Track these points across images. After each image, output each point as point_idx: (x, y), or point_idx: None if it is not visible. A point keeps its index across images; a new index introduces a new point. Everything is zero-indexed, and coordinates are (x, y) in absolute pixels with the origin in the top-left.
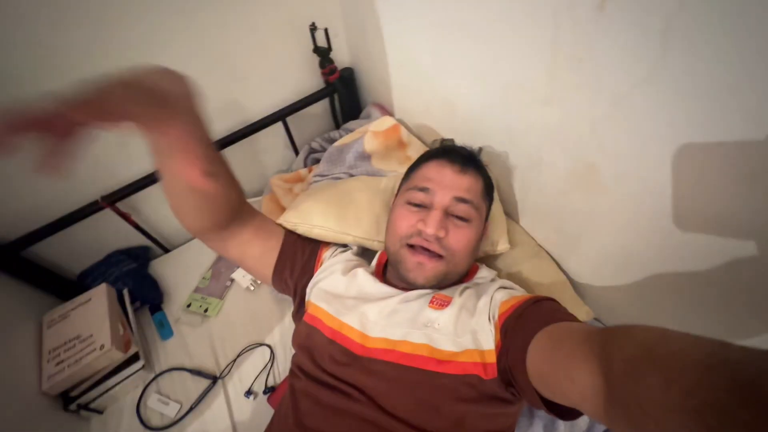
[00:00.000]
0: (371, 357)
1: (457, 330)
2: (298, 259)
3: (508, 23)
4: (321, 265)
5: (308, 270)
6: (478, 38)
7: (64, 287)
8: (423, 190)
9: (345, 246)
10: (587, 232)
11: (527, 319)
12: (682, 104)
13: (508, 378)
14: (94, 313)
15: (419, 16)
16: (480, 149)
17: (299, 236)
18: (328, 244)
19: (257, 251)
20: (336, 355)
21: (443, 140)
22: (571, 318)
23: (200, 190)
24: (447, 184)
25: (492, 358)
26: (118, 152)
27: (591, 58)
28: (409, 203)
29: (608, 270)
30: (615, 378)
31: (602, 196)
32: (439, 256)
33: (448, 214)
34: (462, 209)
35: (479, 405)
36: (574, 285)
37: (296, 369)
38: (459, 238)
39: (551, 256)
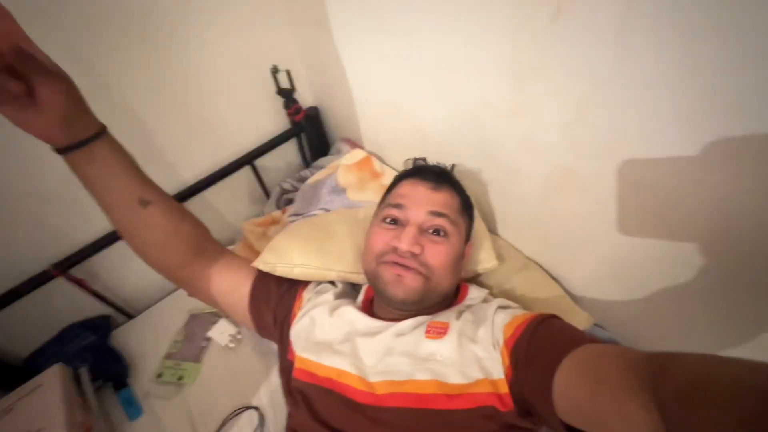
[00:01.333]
0: (375, 405)
1: (462, 359)
2: (273, 291)
3: (467, 46)
4: (301, 303)
5: (287, 304)
6: (440, 63)
7: (9, 375)
8: (397, 206)
9: (326, 283)
10: (574, 238)
11: (541, 345)
12: (649, 97)
13: (527, 409)
14: (46, 401)
15: (378, 50)
16: (453, 166)
17: (271, 278)
18: (306, 287)
19: (228, 285)
20: (337, 407)
21: (416, 159)
22: (588, 337)
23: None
24: (421, 199)
25: (505, 388)
26: (67, 212)
27: (553, 66)
28: (384, 220)
29: (601, 273)
30: (670, 412)
31: (584, 198)
32: (418, 272)
33: (423, 230)
34: (438, 223)
35: None
36: (568, 293)
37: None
38: (436, 254)
39: (541, 267)
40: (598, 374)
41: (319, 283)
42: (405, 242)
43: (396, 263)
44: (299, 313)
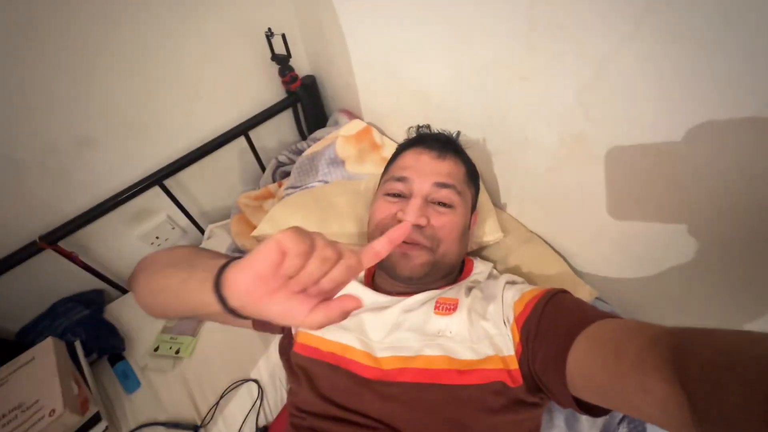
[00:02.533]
0: (384, 380)
1: (472, 336)
2: None
3: (477, 3)
4: None
5: None
6: (448, 21)
7: (1, 349)
8: (401, 179)
9: None
10: (579, 209)
11: (552, 321)
12: (670, 56)
13: (537, 385)
14: (40, 373)
15: (381, 9)
16: (458, 133)
17: None
18: None
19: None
20: (342, 383)
21: (419, 127)
22: (601, 312)
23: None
24: (425, 170)
25: (515, 365)
26: (56, 183)
27: (572, 23)
28: (388, 194)
29: (605, 246)
30: (695, 389)
31: (594, 166)
32: (423, 246)
33: (428, 201)
34: (443, 194)
35: (509, 413)
36: (571, 266)
37: (296, 410)
38: (443, 225)
39: (544, 240)
40: (617, 350)
41: None
42: (410, 215)
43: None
44: None
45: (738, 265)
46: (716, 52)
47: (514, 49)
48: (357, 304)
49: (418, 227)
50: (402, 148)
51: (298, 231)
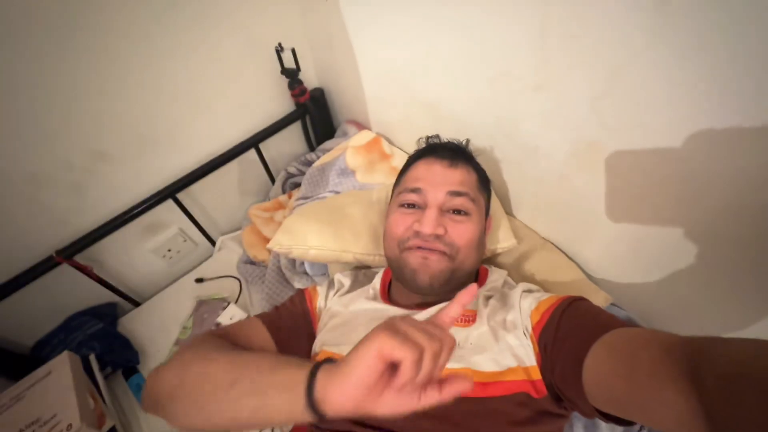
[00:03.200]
0: None
1: (494, 347)
2: (291, 326)
3: (492, 10)
4: (318, 316)
5: (306, 323)
6: (459, 32)
7: (16, 364)
8: (414, 190)
9: (335, 286)
10: (593, 215)
11: (569, 330)
12: (686, 67)
13: (557, 394)
14: (56, 387)
15: (389, 22)
16: (467, 141)
17: (283, 313)
18: (315, 291)
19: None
20: None
21: (428, 138)
22: (618, 320)
23: None
24: (438, 180)
25: (538, 375)
26: (70, 197)
27: (585, 34)
28: (403, 206)
29: (619, 252)
30: (711, 400)
31: (608, 173)
32: (443, 253)
33: (444, 211)
34: (458, 203)
35: (535, 425)
36: (584, 273)
37: (312, 427)
38: (460, 233)
39: (557, 247)
40: (633, 360)
41: (328, 289)
42: (427, 226)
43: (420, 247)
44: (319, 325)
45: (755, 269)
46: (728, 61)
47: (526, 59)
48: (466, 387)
49: (436, 237)
50: (413, 159)
51: (396, 334)
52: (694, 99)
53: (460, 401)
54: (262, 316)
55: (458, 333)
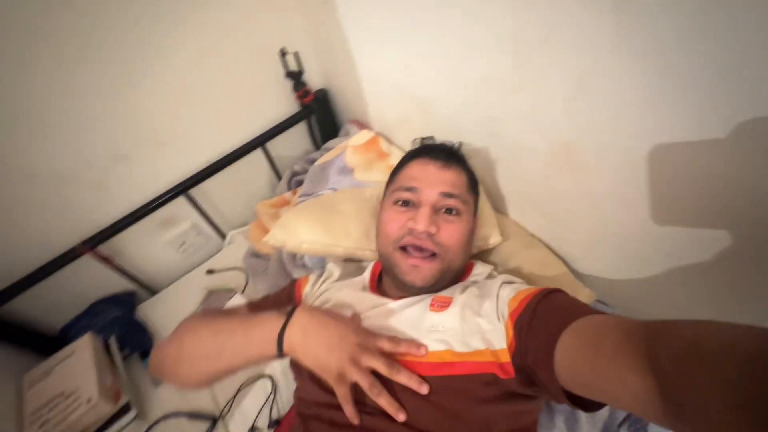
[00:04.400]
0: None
1: (464, 330)
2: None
3: (469, 14)
4: (303, 301)
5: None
6: (445, 37)
7: (47, 343)
8: (409, 189)
9: (324, 274)
10: (576, 214)
11: (544, 317)
12: (650, 67)
13: (529, 377)
14: (79, 365)
15: (383, 27)
16: (460, 144)
17: (269, 298)
18: (306, 279)
19: None
20: None
21: (423, 139)
22: (590, 309)
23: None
24: (432, 180)
25: (506, 357)
26: (92, 193)
27: (553, 39)
28: (397, 203)
29: (603, 250)
30: (665, 378)
31: (584, 173)
32: (433, 255)
33: (436, 210)
34: (450, 203)
35: (501, 404)
36: (571, 269)
37: (301, 402)
38: (451, 233)
39: (545, 244)
40: (597, 344)
41: (317, 278)
42: (422, 223)
43: (413, 246)
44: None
45: (739, 267)
46: (683, 65)
47: (504, 62)
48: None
49: (428, 234)
50: (407, 158)
51: (354, 364)
52: (655, 101)
53: (431, 379)
54: (249, 302)
55: (434, 318)
